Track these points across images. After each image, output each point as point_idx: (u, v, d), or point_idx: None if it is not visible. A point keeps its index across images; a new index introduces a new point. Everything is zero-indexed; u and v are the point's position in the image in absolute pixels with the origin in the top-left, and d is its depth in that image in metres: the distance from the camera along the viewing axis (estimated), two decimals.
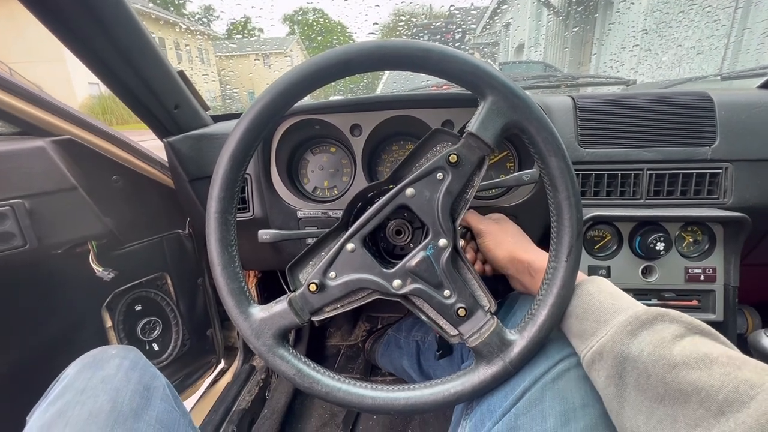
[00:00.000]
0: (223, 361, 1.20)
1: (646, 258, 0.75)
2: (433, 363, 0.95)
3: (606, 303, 0.44)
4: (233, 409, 1.05)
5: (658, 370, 0.35)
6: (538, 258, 0.55)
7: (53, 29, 0.57)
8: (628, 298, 0.45)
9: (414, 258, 0.48)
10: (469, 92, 0.45)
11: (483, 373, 0.47)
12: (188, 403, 1.06)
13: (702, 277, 0.74)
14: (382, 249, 0.59)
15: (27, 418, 0.48)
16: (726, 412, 0.30)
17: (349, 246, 0.49)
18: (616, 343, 0.39)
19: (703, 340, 0.36)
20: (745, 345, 0.77)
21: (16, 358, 0.72)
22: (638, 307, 0.42)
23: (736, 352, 0.35)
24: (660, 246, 0.71)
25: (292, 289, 0.50)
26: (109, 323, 0.87)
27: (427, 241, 0.48)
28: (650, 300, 0.76)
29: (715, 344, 0.36)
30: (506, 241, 0.59)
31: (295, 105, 0.47)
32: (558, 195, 0.45)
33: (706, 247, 0.75)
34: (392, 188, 0.49)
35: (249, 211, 0.82)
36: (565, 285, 0.45)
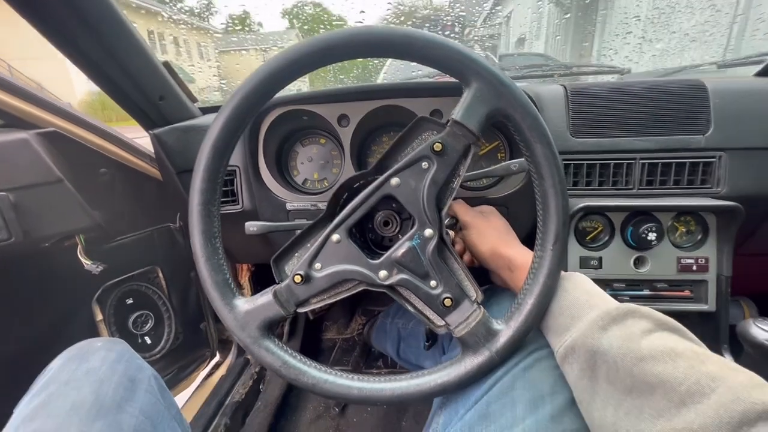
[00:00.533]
0: (217, 355, 1.20)
1: (638, 248, 0.74)
2: (411, 351, 0.96)
3: (581, 299, 0.45)
4: (227, 402, 1.05)
5: (626, 363, 0.36)
6: (520, 254, 0.54)
7: (33, 21, 0.56)
8: (603, 295, 0.45)
9: (400, 248, 0.48)
10: (458, 81, 0.44)
11: (469, 363, 0.46)
12: (182, 397, 1.06)
13: (694, 267, 0.73)
14: (371, 240, 0.59)
15: (14, 410, 0.48)
16: (687, 403, 0.31)
17: (335, 237, 0.48)
18: (587, 337, 0.40)
19: (671, 336, 0.38)
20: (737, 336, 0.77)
21: (4, 352, 0.72)
22: (611, 303, 0.43)
23: (701, 348, 0.36)
24: (652, 236, 0.71)
25: (278, 281, 0.50)
26: (99, 317, 0.86)
27: (412, 231, 0.47)
28: (642, 290, 0.76)
29: (682, 340, 0.37)
30: (490, 236, 0.59)
31: (281, 95, 0.46)
32: (544, 183, 0.44)
33: (699, 237, 0.74)
34: (378, 178, 0.48)
35: (238, 204, 0.81)
36: (551, 274, 0.45)
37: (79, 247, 0.77)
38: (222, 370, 1.18)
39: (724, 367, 0.32)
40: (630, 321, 0.39)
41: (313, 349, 1.43)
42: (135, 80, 0.70)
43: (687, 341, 0.37)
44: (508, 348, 0.45)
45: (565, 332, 0.43)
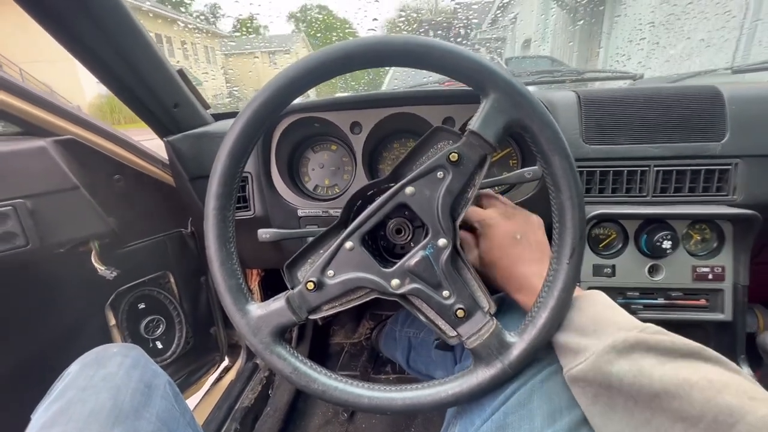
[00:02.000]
0: (226, 359, 1.20)
1: (652, 256, 0.73)
2: (421, 360, 0.95)
3: (588, 327, 0.43)
4: (236, 407, 1.05)
5: (642, 398, 0.35)
6: (535, 274, 0.50)
7: (50, 30, 0.57)
8: (611, 320, 0.43)
9: (413, 258, 0.47)
10: (470, 88, 0.44)
11: (481, 375, 0.46)
12: (192, 401, 1.06)
13: (710, 276, 0.72)
14: (383, 248, 0.58)
15: (31, 416, 0.48)
16: None
17: (348, 244, 0.48)
18: (597, 371, 0.39)
19: (683, 364, 0.36)
20: (754, 344, 0.76)
21: (20, 357, 0.73)
22: (618, 333, 0.40)
23: (716, 375, 0.34)
24: (667, 244, 0.70)
25: (290, 287, 0.50)
26: (112, 321, 0.87)
27: (426, 240, 0.47)
28: (657, 299, 0.75)
29: (696, 366, 0.35)
30: (511, 253, 0.53)
31: (294, 102, 0.46)
32: (561, 195, 0.43)
33: (715, 245, 0.73)
34: (392, 186, 0.48)
35: (250, 210, 0.82)
36: (567, 288, 0.44)
37: (94, 252, 0.78)
38: (231, 375, 1.18)
39: (743, 397, 0.31)
40: (636, 355, 0.38)
41: (321, 354, 1.43)
42: (151, 89, 0.71)
43: (703, 365, 0.35)
44: (521, 361, 0.45)
45: (573, 357, 0.42)
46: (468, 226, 0.62)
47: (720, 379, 0.33)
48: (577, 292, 0.48)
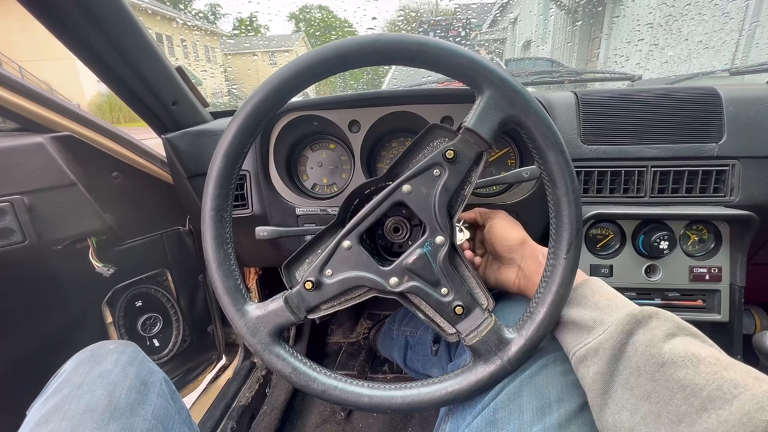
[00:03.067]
0: (224, 358, 1.20)
1: (649, 257, 0.73)
2: (418, 359, 0.96)
3: (602, 303, 0.45)
4: (233, 406, 1.05)
5: (648, 369, 0.36)
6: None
7: (50, 27, 0.57)
8: (622, 298, 0.46)
9: (411, 255, 0.48)
10: (468, 87, 0.44)
11: (481, 371, 0.46)
12: (189, 399, 1.06)
13: (707, 277, 0.73)
14: (380, 246, 0.59)
15: (26, 412, 0.48)
16: (708, 408, 0.31)
17: (345, 243, 0.48)
18: (614, 341, 0.40)
19: (693, 341, 0.37)
20: (751, 346, 0.76)
21: (16, 353, 0.73)
22: (633, 306, 0.43)
23: (723, 355, 0.36)
24: (664, 245, 0.70)
25: (288, 287, 0.50)
26: (109, 319, 0.87)
27: (424, 238, 0.47)
28: (654, 299, 0.75)
29: (704, 345, 0.37)
30: (518, 227, 0.60)
31: (293, 100, 0.46)
32: (557, 191, 0.44)
33: (712, 246, 0.73)
34: (389, 185, 0.48)
35: (248, 208, 0.81)
36: (564, 283, 0.44)
37: (91, 249, 0.78)
38: (228, 373, 1.18)
39: (746, 375, 0.32)
40: (654, 323, 0.39)
41: (318, 353, 1.43)
42: (150, 85, 0.71)
43: (709, 347, 0.37)
44: (520, 357, 0.45)
45: (586, 334, 0.43)
46: (468, 224, 0.64)
47: (726, 359, 0.35)
48: (581, 276, 0.50)
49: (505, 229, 0.59)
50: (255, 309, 0.47)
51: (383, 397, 0.47)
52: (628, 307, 0.43)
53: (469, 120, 0.43)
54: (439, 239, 0.47)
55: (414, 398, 0.46)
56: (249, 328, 0.47)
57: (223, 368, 1.20)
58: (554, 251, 0.45)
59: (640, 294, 0.75)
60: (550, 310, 0.45)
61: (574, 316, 0.46)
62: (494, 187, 0.78)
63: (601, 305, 0.44)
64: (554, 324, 0.46)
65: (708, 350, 0.36)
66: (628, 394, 0.37)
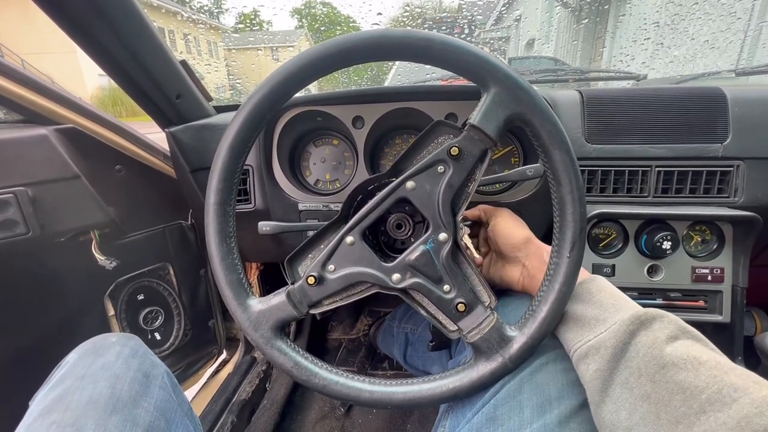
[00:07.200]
0: (224, 352, 1.21)
1: (652, 257, 0.73)
2: (418, 357, 0.96)
3: (606, 302, 0.45)
4: (233, 400, 1.05)
5: (649, 370, 0.36)
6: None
7: (54, 17, 0.57)
8: (627, 299, 0.46)
9: (413, 252, 0.48)
10: (473, 84, 0.44)
11: (482, 369, 0.46)
12: (189, 393, 1.07)
13: (709, 278, 0.72)
14: (383, 243, 0.58)
15: (29, 402, 0.49)
16: (707, 411, 0.31)
17: (348, 239, 0.48)
18: (616, 340, 0.40)
19: (694, 344, 0.37)
20: (752, 347, 0.76)
21: (19, 345, 0.73)
22: (638, 307, 0.43)
23: (725, 359, 0.36)
24: (667, 245, 0.70)
25: (290, 282, 0.50)
26: (111, 312, 0.87)
27: (427, 235, 0.47)
28: (655, 299, 0.75)
29: (705, 349, 0.37)
30: (523, 225, 0.60)
31: (297, 96, 0.46)
32: (561, 189, 0.43)
33: (715, 246, 0.73)
34: (392, 181, 0.48)
35: (250, 203, 0.81)
36: (567, 281, 0.44)
37: (94, 242, 0.78)
38: (229, 368, 1.18)
39: (747, 379, 0.32)
40: (657, 325, 0.39)
41: (319, 349, 1.43)
42: (154, 79, 0.71)
43: (710, 351, 0.37)
44: (521, 355, 0.45)
45: (588, 332, 0.43)
46: (471, 222, 0.64)
47: (727, 363, 0.35)
48: (585, 274, 0.50)
49: (510, 227, 0.59)
50: (257, 303, 0.48)
51: (384, 392, 0.47)
52: (632, 308, 0.43)
53: (475, 117, 0.43)
54: (443, 236, 0.47)
55: (415, 394, 0.47)
56: (251, 322, 0.47)
57: (224, 363, 1.20)
58: (557, 250, 0.45)
59: (641, 294, 0.75)
60: (552, 308, 0.45)
61: (578, 312, 0.46)
62: (498, 185, 0.78)
63: (606, 304, 0.44)
64: (556, 323, 0.46)
65: (709, 354, 0.36)
66: (627, 393, 0.37)
